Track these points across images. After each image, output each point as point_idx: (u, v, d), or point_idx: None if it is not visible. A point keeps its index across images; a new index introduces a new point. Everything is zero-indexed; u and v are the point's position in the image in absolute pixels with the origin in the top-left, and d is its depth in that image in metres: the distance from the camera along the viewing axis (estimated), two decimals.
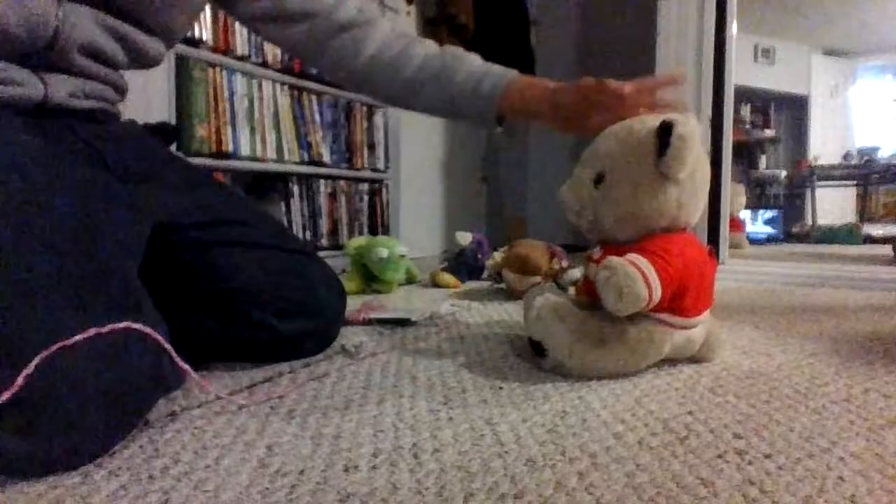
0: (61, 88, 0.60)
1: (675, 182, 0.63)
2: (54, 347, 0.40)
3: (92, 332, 0.43)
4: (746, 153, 4.58)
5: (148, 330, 0.47)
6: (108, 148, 0.64)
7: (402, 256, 1.34)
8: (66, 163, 0.56)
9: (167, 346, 0.49)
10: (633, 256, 0.60)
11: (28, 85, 0.57)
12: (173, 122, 1.32)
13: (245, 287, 0.68)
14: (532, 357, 0.70)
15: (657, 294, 0.59)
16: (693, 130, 0.61)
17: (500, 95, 0.76)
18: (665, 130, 0.61)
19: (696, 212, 0.68)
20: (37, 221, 0.46)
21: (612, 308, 0.59)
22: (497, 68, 0.78)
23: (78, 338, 0.42)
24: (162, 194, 0.66)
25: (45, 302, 0.42)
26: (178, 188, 0.70)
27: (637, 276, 0.57)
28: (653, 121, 0.64)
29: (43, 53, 0.58)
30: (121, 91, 0.69)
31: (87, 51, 0.61)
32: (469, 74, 0.76)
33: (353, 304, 0.98)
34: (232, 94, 1.48)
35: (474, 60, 0.79)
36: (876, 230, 3.53)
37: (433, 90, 0.78)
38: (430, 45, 0.79)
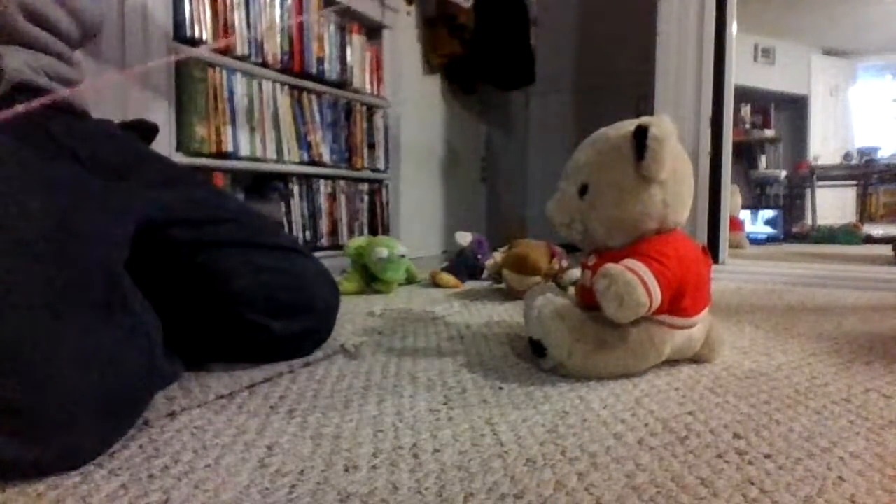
0: (15, 57, 0.59)
1: (658, 183, 0.64)
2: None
3: (79, 334, 0.43)
4: (746, 153, 4.58)
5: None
6: (81, 145, 0.62)
7: (402, 256, 1.34)
8: (40, 162, 0.54)
9: (158, 341, 0.49)
10: (630, 262, 0.60)
11: None
12: (173, 122, 1.32)
13: (237, 288, 0.67)
14: (532, 357, 0.70)
15: (657, 299, 0.59)
16: (668, 130, 0.62)
17: None
18: (640, 133, 0.62)
19: (684, 210, 0.68)
20: (12, 224, 0.45)
21: (613, 316, 0.59)
22: None
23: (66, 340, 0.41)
24: (142, 191, 0.65)
25: (26, 306, 0.41)
26: (159, 185, 0.68)
27: (636, 283, 0.57)
28: (628, 126, 0.65)
29: None
30: (75, 67, 0.68)
31: (30, 14, 0.60)
32: None
33: (351, 301, 0.97)
34: (232, 94, 1.48)
35: None
36: (876, 230, 3.52)
37: None
38: None
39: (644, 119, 0.63)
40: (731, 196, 2.78)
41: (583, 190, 0.67)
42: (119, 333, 0.47)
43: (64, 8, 0.63)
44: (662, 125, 0.62)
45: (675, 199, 0.65)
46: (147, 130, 0.80)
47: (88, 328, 0.44)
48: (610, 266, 0.59)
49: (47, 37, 0.62)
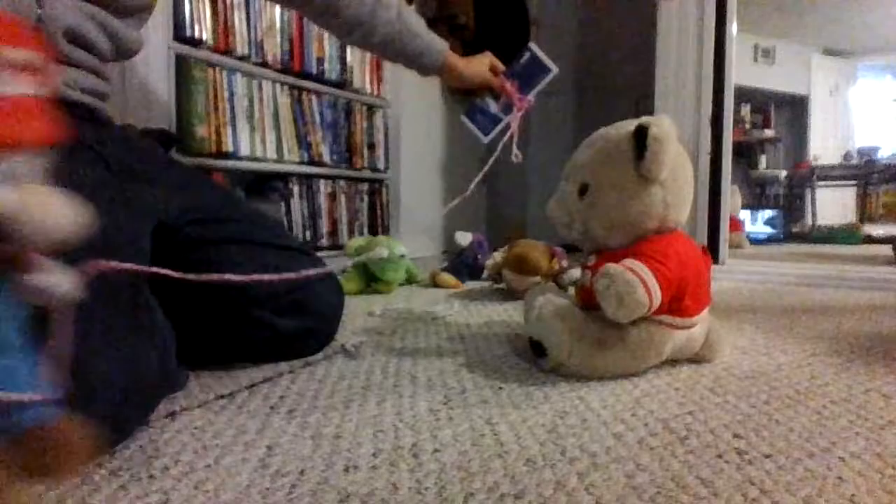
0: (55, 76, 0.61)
1: (658, 183, 0.64)
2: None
3: (105, 329, 0.43)
4: (746, 153, 4.58)
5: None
6: (109, 151, 0.64)
7: (402, 256, 1.34)
8: (71, 166, 0.56)
9: (172, 347, 0.50)
10: (630, 262, 0.59)
11: None
12: (173, 122, 1.32)
13: (242, 284, 0.68)
14: (532, 357, 0.70)
15: (657, 299, 0.59)
16: (668, 130, 0.62)
17: (438, 69, 1.05)
18: (640, 133, 0.62)
19: (684, 210, 0.68)
20: None
21: (613, 316, 0.59)
22: (434, 45, 1.04)
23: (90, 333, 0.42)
24: (162, 196, 0.67)
25: None
26: (177, 189, 0.70)
27: (637, 283, 0.57)
28: (628, 126, 0.65)
29: None
30: (108, 81, 0.70)
31: (73, 37, 0.62)
32: (416, 49, 1.03)
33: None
34: (232, 94, 1.48)
35: (418, 35, 1.03)
36: (876, 230, 3.52)
37: (389, 53, 1.03)
38: (391, 9, 0.98)
39: (644, 119, 0.63)
40: (731, 196, 2.78)
41: (583, 190, 0.67)
42: (140, 335, 0.48)
43: (104, 31, 0.66)
44: (662, 125, 0.62)
45: (675, 200, 0.65)
46: (168, 138, 0.84)
47: (113, 326, 0.45)
48: (610, 266, 0.59)
49: (85, 55, 0.65)
